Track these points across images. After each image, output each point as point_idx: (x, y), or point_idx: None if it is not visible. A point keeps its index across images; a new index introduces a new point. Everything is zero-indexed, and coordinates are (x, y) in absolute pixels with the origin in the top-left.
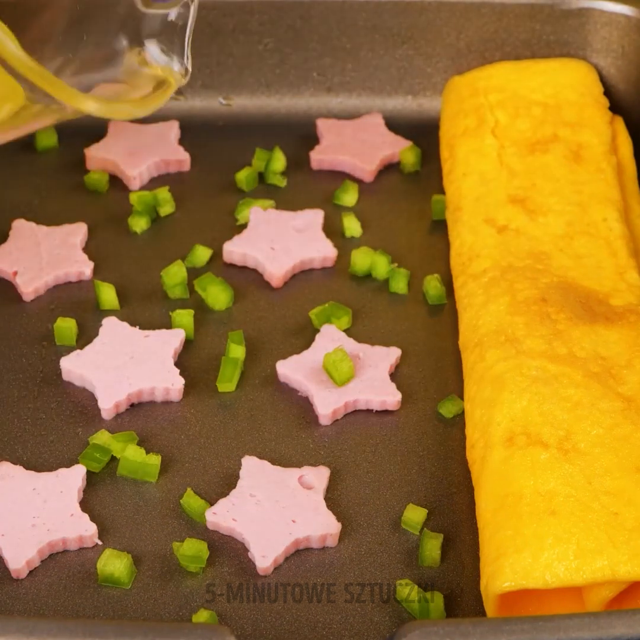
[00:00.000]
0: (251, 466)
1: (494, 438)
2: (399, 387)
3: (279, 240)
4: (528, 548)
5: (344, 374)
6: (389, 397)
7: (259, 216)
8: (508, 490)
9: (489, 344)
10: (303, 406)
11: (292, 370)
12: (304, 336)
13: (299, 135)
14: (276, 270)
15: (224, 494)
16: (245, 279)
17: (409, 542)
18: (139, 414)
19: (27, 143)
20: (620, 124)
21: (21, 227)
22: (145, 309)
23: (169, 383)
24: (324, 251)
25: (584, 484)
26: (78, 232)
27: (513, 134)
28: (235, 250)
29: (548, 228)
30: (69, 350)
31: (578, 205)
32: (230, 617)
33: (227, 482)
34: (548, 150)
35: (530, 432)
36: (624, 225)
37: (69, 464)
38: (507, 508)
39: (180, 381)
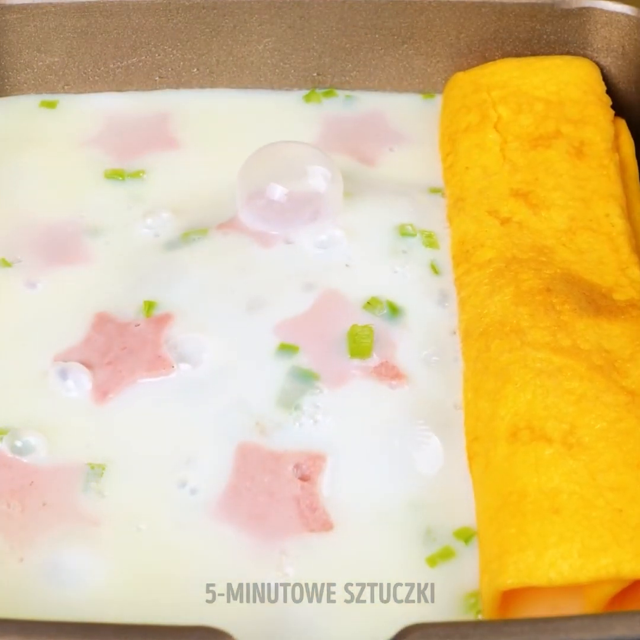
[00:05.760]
0: (246, 452)
1: (497, 432)
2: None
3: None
4: (532, 547)
5: (361, 350)
6: (394, 381)
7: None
8: (512, 487)
9: (493, 334)
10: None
11: (291, 332)
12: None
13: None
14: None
15: (219, 483)
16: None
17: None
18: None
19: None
20: (622, 124)
21: (22, 220)
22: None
23: (162, 371)
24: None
25: (588, 480)
26: (79, 223)
27: (515, 129)
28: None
29: (551, 222)
30: (62, 344)
31: (581, 200)
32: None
33: (221, 469)
34: (550, 145)
35: (534, 427)
36: (626, 221)
37: (66, 458)
38: (511, 506)
39: (172, 368)
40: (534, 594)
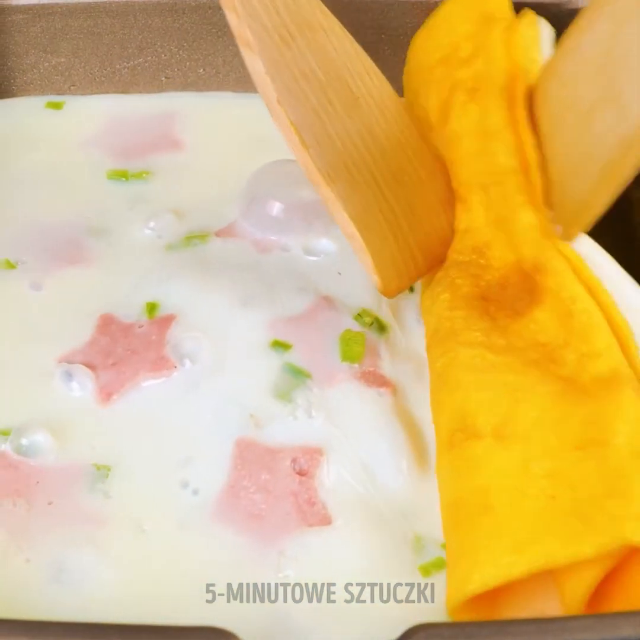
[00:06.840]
0: (243, 449)
1: (439, 441)
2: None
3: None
4: (465, 556)
5: (352, 355)
6: (381, 388)
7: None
8: (451, 498)
9: (432, 343)
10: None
11: (284, 331)
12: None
13: None
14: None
15: (218, 483)
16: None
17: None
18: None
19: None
20: (529, 17)
21: (27, 221)
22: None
23: (165, 371)
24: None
25: (520, 470)
26: (84, 224)
27: (430, 119)
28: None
29: (477, 217)
30: (66, 346)
31: (485, 153)
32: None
33: (220, 468)
34: (449, 111)
35: (467, 425)
36: (518, 160)
37: (71, 459)
38: (451, 519)
39: (174, 369)
40: (506, 599)
